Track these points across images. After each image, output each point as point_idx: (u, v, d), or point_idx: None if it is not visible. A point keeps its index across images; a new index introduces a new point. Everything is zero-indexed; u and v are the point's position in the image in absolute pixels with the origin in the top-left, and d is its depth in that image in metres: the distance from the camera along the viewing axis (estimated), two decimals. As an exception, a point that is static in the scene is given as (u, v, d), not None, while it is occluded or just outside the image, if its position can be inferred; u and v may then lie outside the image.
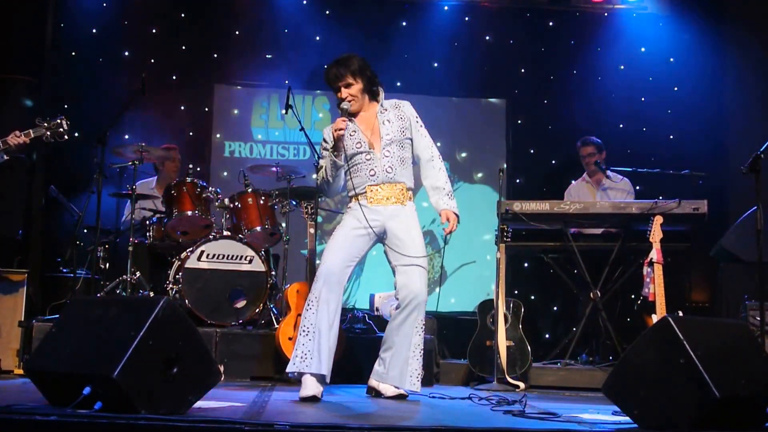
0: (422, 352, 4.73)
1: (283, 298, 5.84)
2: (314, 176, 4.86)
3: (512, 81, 9.37)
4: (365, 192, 4.67)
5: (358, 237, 4.63)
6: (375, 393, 4.75)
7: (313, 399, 4.34)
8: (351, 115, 4.71)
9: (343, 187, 4.80)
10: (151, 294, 6.26)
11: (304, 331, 4.48)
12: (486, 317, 5.99)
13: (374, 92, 4.79)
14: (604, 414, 3.99)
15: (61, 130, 5.30)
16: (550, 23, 9.50)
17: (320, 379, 4.46)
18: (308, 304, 4.52)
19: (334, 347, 4.54)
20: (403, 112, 4.82)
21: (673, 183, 7.17)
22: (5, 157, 5.24)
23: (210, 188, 6.51)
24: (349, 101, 4.68)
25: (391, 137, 4.70)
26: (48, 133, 5.27)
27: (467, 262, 9.17)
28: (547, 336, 8.72)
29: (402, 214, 4.67)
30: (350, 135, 4.69)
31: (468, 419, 3.84)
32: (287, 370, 4.52)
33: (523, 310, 6.03)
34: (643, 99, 9.20)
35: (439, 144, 9.23)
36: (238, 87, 9.14)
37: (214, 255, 6.08)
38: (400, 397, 4.63)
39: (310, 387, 4.40)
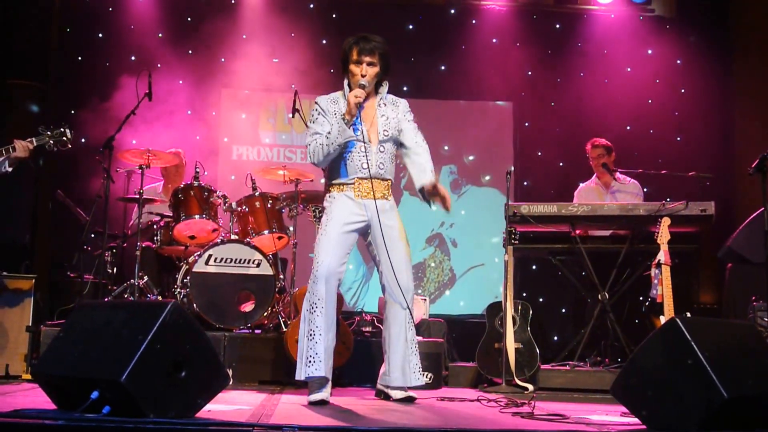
0: (416, 344, 4.74)
1: (291, 302, 5.84)
2: (307, 143, 4.63)
3: (519, 83, 9.36)
4: (353, 183, 4.62)
5: (350, 233, 4.62)
6: (384, 395, 4.74)
7: (321, 402, 4.35)
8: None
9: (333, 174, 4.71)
10: (159, 298, 6.27)
11: (309, 334, 4.48)
12: (494, 320, 5.98)
13: (379, 83, 4.74)
14: (612, 415, 3.98)
15: (65, 138, 5.28)
16: (557, 25, 9.50)
17: (326, 381, 4.48)
18: (312, 308, 4.50)
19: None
20: (398, 108, 4.80)
21: (680, 184, 7.15)
22: (9, 169, 5.20)
23: (217, 192, 6.51)
24: (368, 80, 4.59)
25: (389, 134, 4.68)
26: (51, 141, 5.25)
27: (475, 265, 9.18)
28: (555, 338, 8.70)
29: (386, 208, 4.65)
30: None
31: (476, 421, 3.84)
32: (297, 377, 4.51)
33: (531, 312, 6.01)
34: (649, 101, 9.20)
35: (446, 147, 9.37)
36: (246, 91, 9.15)
37: (221, 259, 6.08)
38: (409, 400, 4.62)
39: (319, 390, 4.43)
